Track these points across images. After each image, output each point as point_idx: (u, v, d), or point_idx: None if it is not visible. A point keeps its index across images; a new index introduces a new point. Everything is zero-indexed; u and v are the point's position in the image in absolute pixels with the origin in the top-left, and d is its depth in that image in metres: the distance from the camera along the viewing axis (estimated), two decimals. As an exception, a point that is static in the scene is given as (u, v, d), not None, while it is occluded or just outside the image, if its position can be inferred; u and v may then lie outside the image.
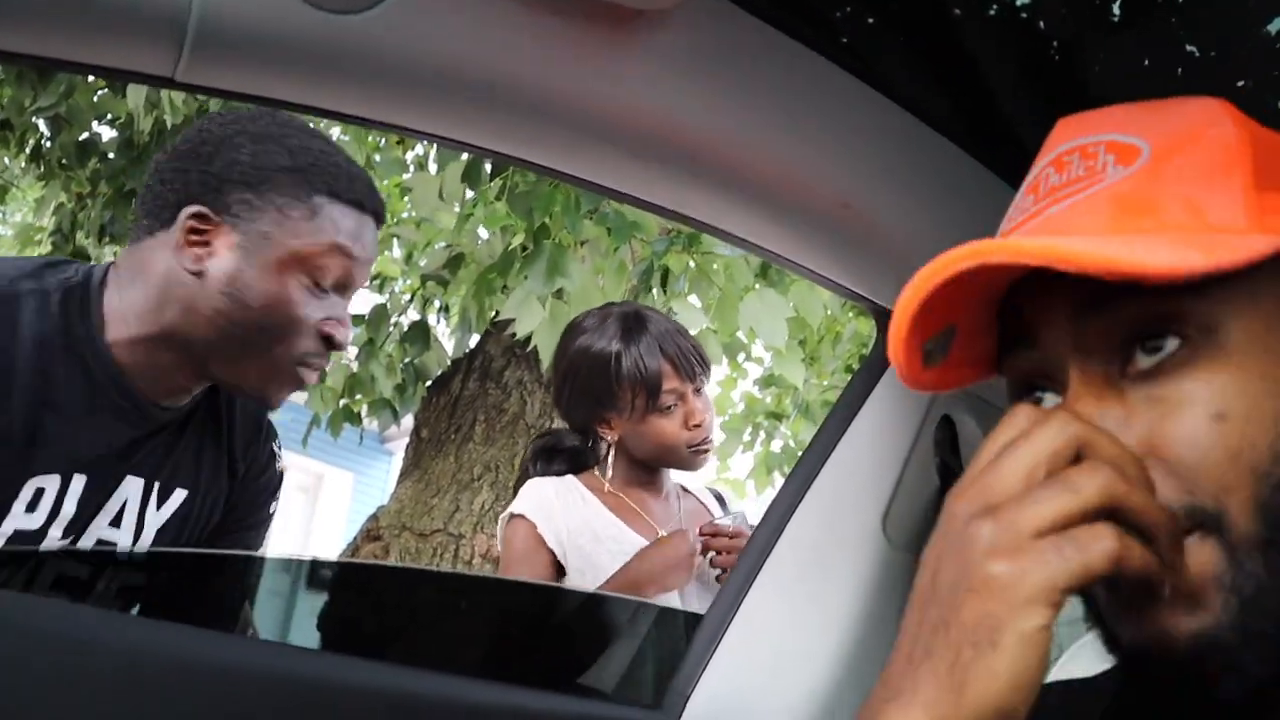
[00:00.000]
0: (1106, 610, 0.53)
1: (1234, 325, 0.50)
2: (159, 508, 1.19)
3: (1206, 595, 0.48)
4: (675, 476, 1.87)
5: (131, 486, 1.17)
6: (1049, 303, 0.55)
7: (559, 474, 1.81)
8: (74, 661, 0.72)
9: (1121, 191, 0.54)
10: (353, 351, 4.21)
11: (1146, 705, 0.58)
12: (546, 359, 3.10)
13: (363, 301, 4.45)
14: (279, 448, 1.39)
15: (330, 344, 1.17)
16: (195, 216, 1.12)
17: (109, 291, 1.15)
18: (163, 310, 1.13)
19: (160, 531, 1.20)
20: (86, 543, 1.13)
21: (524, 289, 2.95)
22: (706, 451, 1.77)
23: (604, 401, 1.73)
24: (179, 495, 1.22)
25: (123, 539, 1.16)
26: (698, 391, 1.75)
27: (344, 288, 1.19)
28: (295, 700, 0.80)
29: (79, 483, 1.12)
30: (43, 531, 1.10)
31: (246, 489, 1.32)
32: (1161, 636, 0.49)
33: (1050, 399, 0.57)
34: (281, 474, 1.39)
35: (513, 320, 3.06)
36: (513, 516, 1.73)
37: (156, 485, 1.19)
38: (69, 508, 1.11)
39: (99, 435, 1.13)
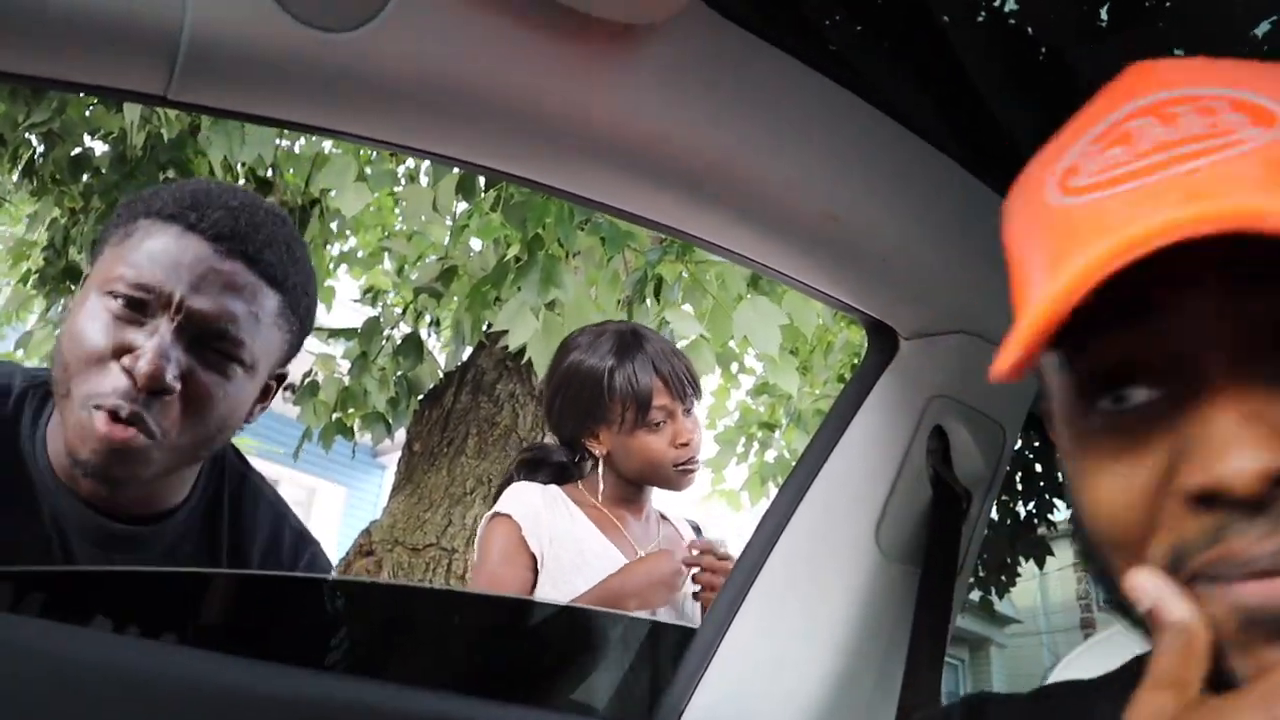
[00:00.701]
0: None
1: None
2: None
3: None
4: (656, 503, 1.88)
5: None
6: (1197, 277, 0.47)
7: (544, 484, 1.81)
8: (63, 682, 0.72)
9: (1274, 155, 0.46)
10: (345, 365, 4.21)
11: None
12: (540, 371, 3.11)
13: (355, 315, 4.45)
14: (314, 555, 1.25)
15: (131, 376, 0.96)
16: (84, 279, 1.06)
17: None
18: None
19: None
20: None
21: (517, 300, 2.95)
22: (692, 472, 1.78)
23: (594, 414, 1.75)
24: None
25: None
26: (687, 412, 1.77)
27: (144, 308, 0.99)
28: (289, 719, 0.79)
29: (34, 602, 0.99)
30: None
31: None
32: None
33: (1141, 394, 0.49)
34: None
35: (506, 332, 3.06)
36: (496, 515, 1.72)
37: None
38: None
39: (44, 546, 1.03)
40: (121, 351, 0.98)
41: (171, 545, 1.12)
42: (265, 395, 1.13)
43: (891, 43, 0.87)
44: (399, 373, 4.09)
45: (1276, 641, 0.43)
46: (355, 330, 4.07)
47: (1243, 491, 0.43)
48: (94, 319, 0.99)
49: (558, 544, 1.69)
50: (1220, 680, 0.44)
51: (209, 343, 1.01)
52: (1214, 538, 0.45)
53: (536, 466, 1.86)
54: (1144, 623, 0.47)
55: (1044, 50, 0.87)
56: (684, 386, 1.76)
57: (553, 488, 1.79)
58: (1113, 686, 0.63)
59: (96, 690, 0.72)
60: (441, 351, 4.50)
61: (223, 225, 1.01)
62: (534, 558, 1.67)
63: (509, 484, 1.84)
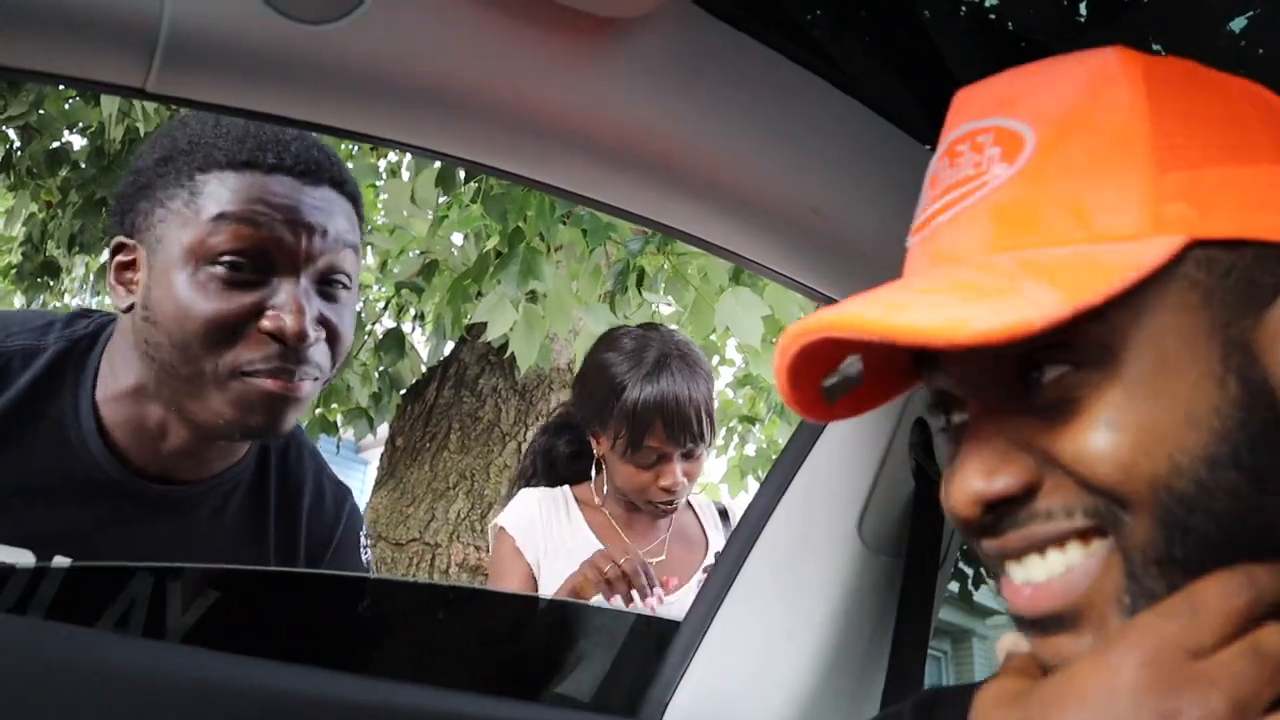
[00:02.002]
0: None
1: (1123, 342, 0.47)
2: (184, 612, 0.99)
3: (1106, 616, 0.48)
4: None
5: (139, 585, 0.98)
6: None
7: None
8: (52, 680, 0.71)
9: (1001, 201, 0.50)
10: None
11: None
12: (522, 366, 3.10)
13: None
14: (366, 537, 1.24)
15: (279, 339, 0.95)
16: (116, 248, 1.02)
17: (110, 344, 1.04)
18: (120, 356, 1.02)
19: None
20: None
21: (497, 292, 2.94)
22: (669, 513, 1.75)
23: (599, 419, 1.77)
24: (210, 597, 1.03)
25: None
26: (685, 456, 1.70)
27: (265, 265, 0.96)
28: (273, 715, 0.79)
29: (59, 564, 0.98)
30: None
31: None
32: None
33: (958, 416, 0.55)
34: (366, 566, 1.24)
35: (488, 326, 3.06)
36: (498, 527, 1.79)
37: (176, 585, 1.01)
38: (46, 591, 0.94)
39: (75, 508, 1.00)
40: (256, 314, 0.96)
41: (220, 503, 1.10)
42: None
43: (873, 37, 0.88)
44: (381, 368, 4.08)
45: (1034, 636, 0.51)
46: (337, 325, 4.05)
47: (961, 514, 0.51)
48: (205, 289, 0.95)
49: (551, 554, 1.72)
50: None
51: (327, 279, 1.01)
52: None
53: (560, 431, 1.93)
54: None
55: (1024, 45, 0.88)
56: (685, 436, 1.67)
57: (557, 490, 1.83)
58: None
59: (94, 691, 0.71)
60: (424, 346, 4.49)
61: (303, 157, 0.99)
62: (530, 568, 1.72)
63: (530, 466, 1.93)
